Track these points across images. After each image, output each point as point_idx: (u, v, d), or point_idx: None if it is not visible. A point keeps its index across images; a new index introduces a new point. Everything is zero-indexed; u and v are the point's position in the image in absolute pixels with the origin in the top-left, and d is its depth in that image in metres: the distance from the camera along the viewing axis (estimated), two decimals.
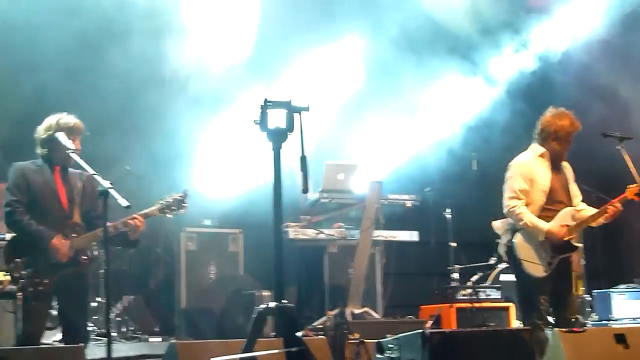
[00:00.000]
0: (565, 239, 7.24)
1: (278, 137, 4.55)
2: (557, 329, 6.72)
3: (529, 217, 7.26)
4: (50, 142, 6.50)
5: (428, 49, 10.89)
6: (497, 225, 7.64)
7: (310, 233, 9.70)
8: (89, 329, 7.98)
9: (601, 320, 10.86)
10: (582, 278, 10.76)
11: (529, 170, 7.37)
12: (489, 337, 6.63)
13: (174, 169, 10.13)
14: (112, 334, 8.23)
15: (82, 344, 6.04)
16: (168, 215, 6.70)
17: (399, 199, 10.12)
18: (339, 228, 9.90)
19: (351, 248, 9.77)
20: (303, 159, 4.55)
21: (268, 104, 4.56)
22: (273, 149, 4.54)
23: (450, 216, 10.90)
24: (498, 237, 7.80)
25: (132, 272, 10.14)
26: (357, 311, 9.38)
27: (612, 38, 11.07)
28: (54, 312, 6.67)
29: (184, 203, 6.70)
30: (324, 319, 9.28)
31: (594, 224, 7.47)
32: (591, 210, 7.46)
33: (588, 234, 7.75)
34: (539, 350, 6.62)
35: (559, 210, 7.34)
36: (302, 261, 10.11)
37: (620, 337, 6.65)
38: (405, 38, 10.78)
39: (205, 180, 10.45)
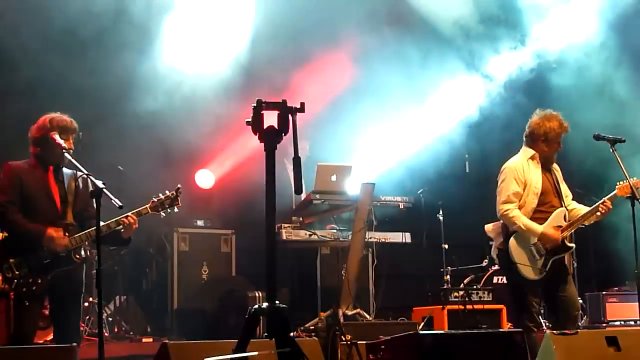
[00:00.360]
0: (560, 240, 7.28)
1: (271, 138, 4.54)
2: (549, 331, 6.72)
3: (523, 220, 7.29)
4: (44, 141, 6.49)
5: (421, 50, 10.91)
6: (490, 228, 7.67)
7: (303, 234, 9.68)
8: (81, 329, 7.97)
9: (593, 323, 10.90)
10: (574, 280, 10.76)
11: (522, 173, 7.39)
12: (481, 339, 6.62)
13: (168, 168, 10.17)
14: (104, 334, 8.24)
15: (74, 344, 6.03)
16: (162, 214, 6.70)
17: (391, 201, 10.11)
18: (331, 229, 9.90)
19: (343, 249, 9.76)
20: (296, 159, 4.54)
21: (262, 104, 4.55)
22: (266, 150, 4.53)
23: (442, 218, 10.92)
24: (491, 239, 7.83)
25: (124, 273, 10.13)
26: (349, 313, 9.36)
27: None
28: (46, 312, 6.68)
29: (177, 201, 6.70)
30: (316, 320, 9.27)
31: (586, 223, 7.50)
32: (583, 209, 7.50)
33: (580, 237, 7.77)
34: (531, 352, 6.63)
35: (551, 212, 7.37)
36: (294, 262, 10.11)
37: (612, 340, 6.64)
38: (398, 38, 10.81)
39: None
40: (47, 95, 9.51)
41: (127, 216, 6.46)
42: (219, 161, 11.43)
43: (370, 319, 9.76)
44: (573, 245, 7.49)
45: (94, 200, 5.91)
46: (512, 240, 7.33)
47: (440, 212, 10.91)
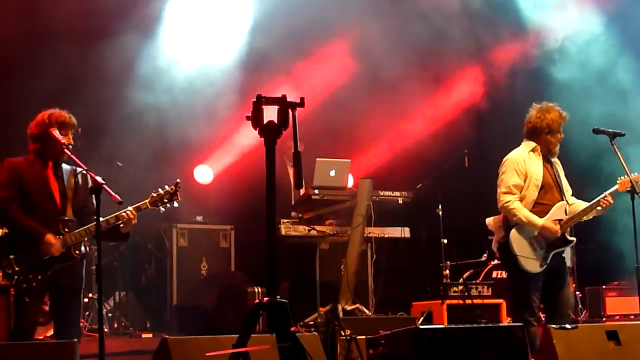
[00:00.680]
0: (559, 233, 7.28)
1: (271, 133, 4.53)
2: (549, 325, 6.73)
3: (524, 212, 7.29)
4: (43, 137, 6.48)
5: (419, 44, 10.90)
6: (491, 222, 7.66)
7: (302, 230, 9.67)
8: (81, 325, 7.97)
9: (593, 317, 10.90)
10: (573, 275, 10.77)
11: (522, 165, 7.40)
12: (481, 333, 6.61)
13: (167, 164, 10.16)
14: (104, 330, 8.23)
15: (75, 340, 6.02)
16: (161, 209, 6.69)
17: (390, 196, 10.10)
18: (330, 225, 9.89)
19: (343, 245, 9.75)
20: (296, 154, 4.53)
21: (261, 99, 4.54)
22: (266, 145, 4.52)
23: (442, 213, 10.91)
24: (490, 233, 7.82)
25: (123, 268, 10.13)
26: (348, 308, 9.36)
27: None
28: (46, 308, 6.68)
29: (177, 195, 6.70)
30: (315, 315, 9.27)
31: (585, 218, 7.51)
32: (583, 204, 7.51)
33: (579, 231, 7.76)
34: (530, 347, 6.62)
35: (551, 205, 7.37)
36: (293, 258, 10.10)
37: (612, 334, 6.66)
38: (397, 33, 10.80)
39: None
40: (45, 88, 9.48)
41: (127, 211, 6.46)
42: (218, 157, 11.42)
43: (370, 313, 9.76)
44: (574, 239, 7.49)
45: (93, 196, 5.91)
46: (513, 233, 7.33)
47: (439, 207, 10.89)
